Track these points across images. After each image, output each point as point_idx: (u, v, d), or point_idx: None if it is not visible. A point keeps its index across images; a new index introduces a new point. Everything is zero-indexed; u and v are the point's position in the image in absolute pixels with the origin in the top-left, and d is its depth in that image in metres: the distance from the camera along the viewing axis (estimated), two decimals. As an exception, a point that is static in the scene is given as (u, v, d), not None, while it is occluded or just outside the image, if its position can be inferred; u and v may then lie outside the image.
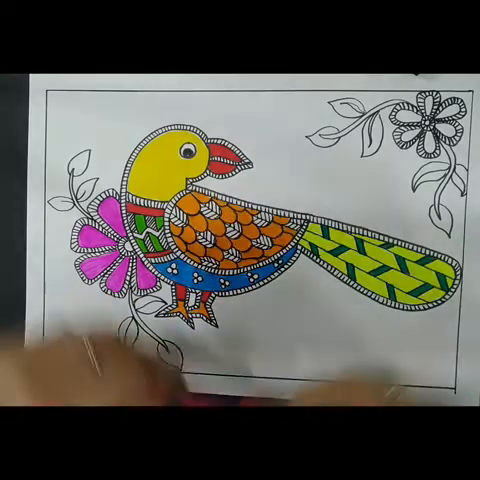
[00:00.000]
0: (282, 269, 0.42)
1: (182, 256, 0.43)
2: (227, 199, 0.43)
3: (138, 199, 0.43)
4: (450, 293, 0.41)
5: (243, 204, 0.42)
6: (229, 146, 0.42)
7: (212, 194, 0.43)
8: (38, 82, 0.43)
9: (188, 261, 0.43)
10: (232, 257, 0.43)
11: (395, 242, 0.41)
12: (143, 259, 0.44)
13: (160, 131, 0.43)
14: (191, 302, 0.44)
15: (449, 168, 0.40)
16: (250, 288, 0.43)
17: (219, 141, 0.42)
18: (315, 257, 0.42)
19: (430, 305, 0.41)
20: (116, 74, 0.42)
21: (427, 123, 0.40)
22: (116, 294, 0.44)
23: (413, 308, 0.41)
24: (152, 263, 0.44)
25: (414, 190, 0.41)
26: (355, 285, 0.42)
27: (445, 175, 0.40)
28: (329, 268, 0.42)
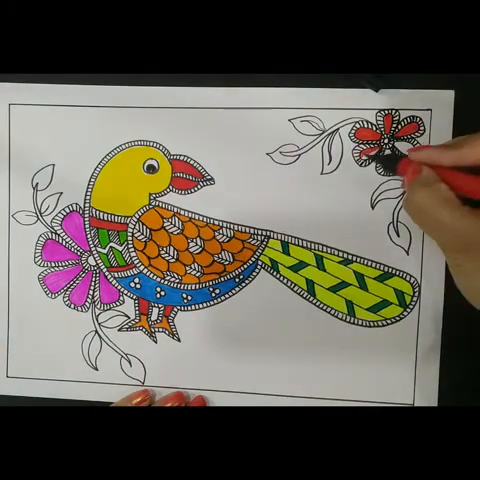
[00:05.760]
0: (243, 284, 0.43)
1: (145, 271, 0.44)
2: (190, 214, 0.43)
3: (102, 214, 0.44)
4: (408, 310, 0.41)
5: (205, 220, 0.43)
6: (191, 162, 0.42)
7: (175, 209, 0.43)
8: (0, 96, 0.43)
9: (151, 276, 0.44)
10: (194, 272, 0.43)
11: (354, 259, 0.41)
12: (106, 273, 0.44)
13: (124, 146, 0.43)
14: (154, 316, 0.44)
15: (408, 186, 0.41)
16: (212, 303, 0.43)
17: (182, 157, 0.43)
18: (275, 273, 0.42)
19: (388, 321, 0.41)
20: (80, 89, 0.43)
21: (386, 141, 0.41)
22: (79, 308, 0.44)
23: (372, 324, 0.42)
24: (115, 277, 0.44)
25: (373, 207, 0.41)
26: (315, 301, 0.42)
27: (403, 193, 0.41)
28: (289, 284, 0.42)
